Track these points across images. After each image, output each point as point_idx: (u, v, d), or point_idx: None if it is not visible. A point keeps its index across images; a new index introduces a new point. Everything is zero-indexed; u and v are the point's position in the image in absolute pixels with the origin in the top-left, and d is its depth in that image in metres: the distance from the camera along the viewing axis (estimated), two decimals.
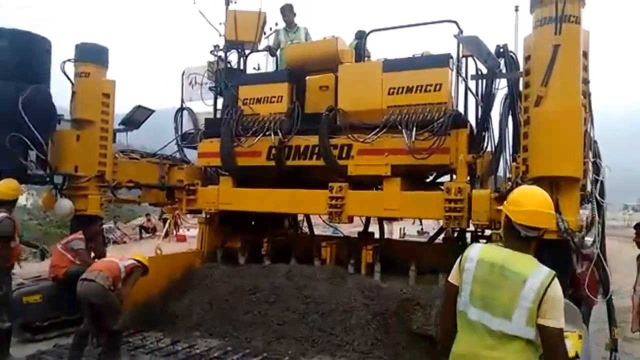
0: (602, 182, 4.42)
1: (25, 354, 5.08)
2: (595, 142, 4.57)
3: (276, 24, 7.75)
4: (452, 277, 2.53)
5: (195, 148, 7.83)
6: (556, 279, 2.24)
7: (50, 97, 6.16)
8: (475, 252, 2.48)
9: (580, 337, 3.63)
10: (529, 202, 2.37)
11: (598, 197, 4.33)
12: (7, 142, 5.55)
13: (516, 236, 2.37)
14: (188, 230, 18.67)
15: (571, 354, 3.52)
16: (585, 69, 4.46)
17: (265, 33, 7.79)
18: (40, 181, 6.28)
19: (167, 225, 18.57)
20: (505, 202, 2.45)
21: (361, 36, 7.40)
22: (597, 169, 4.47)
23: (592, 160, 4.46)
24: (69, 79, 6.61)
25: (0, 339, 5.03)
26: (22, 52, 5.89)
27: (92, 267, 5.07)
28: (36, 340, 5.60)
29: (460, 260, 2.50)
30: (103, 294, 4.88)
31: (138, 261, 5.36)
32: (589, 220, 4.27)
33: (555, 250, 4.20)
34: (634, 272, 5.43)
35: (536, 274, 2.26)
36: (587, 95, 4.48)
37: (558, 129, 4.06)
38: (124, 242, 16.91)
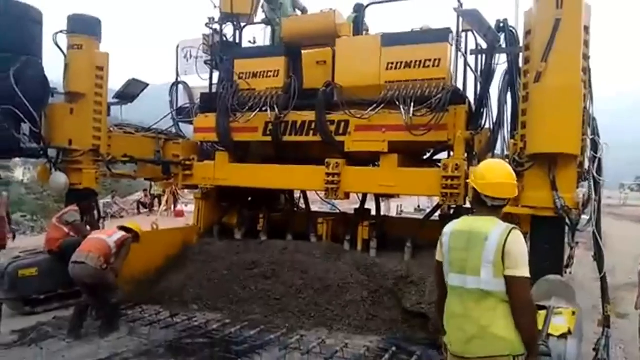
0: (599, 160, 4.38)
1: (24, 326, 5.11)
2: (594, 119, 4.51)
3: None
4: (437, 255, 2.70)
5: (190, 123, 7.76)
6: (515, 231, 2.40)
7: (43, 69, 6.04)
8: (449, 226, 2.69)
9: (574, 313, 3.65)
10: (493, 176, 2.56)
11: (595, 174, 4.30)
12: (1, 116, 5.46)
13: (485, 206, 2.57)
14: (186, 205, 18.79)
15: (564, 329, 3.55)
16: (586, 44, 4.37)
17: (261, 6, 7.62)
18: (34, 155, 6.22)
19: (165, 199, 18.71)
20: (472, 176, 2.65)
21: (359, 9, 7.25)
22: (595, 146, 4.42)
23: (590, 137, 4.42)
24: (61, 51, 6.48)
25: None
26: (13, 23, 5.73)
27: (81, 248, 5.07)
28: (35, 312, 5.62)
29: (440, 237, 2.69)
30: (95, 274, 4.92)
31: (128, 229, 5.38)
32: (586, 198, 4.24)
33: (551, 227, 4.21)
34: (630, 250, 5.45)
35: (495, 230, 2.42)
36: (587, 71, 4.41)
37: (557, 105, 4.00)
38: (122, 217, 16.94)
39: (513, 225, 2.46)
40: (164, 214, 17.83)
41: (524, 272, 2.36)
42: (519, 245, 2.39)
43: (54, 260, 5.86)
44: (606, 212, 4.49)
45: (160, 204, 18.92)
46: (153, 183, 16.70)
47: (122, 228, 5.47)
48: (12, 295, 5.58)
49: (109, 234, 5.33)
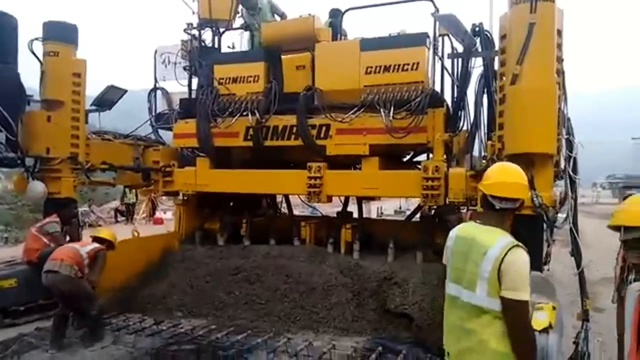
0: (574, 159, 4.53)
1: (5, 337, 5.01)
2: (568, 119, 4.67)
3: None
4: (444, 258, 2.67)
5: (170, 129, 7.70)
6: (516, 249, 2.28)
7: (18, 76, 5.96)
8: (454, 230, 2.64)
9: (554, 308, 3.74)
10: (498, 175, 2.52)
11: (571, 172, 4.45)
12: None
13: (492, 209, 2.48)
14: (165, 213, 18.60)
15: (546, 324, 3.65)
16: (560, 47, 4.53)
17: (239, 12, 7.64)
18: (11, 164, 6.10)
19: (143, 207, 18.50)
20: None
21: (335, 14, 7.34)
22: (570, 145, 4.58)
23: (565, 137, 4.57)
24: (37, 58, 6.40)
25: None
26: None
27: (53, 257, 5.03)
28: (15, 324, 5.51)
29: (447, 241, 2.65)
30: (71, 283, 4.86)
31: (101, 240, 5.33)
32: (562, 196, 4.38)
33: (530, 225, 4.32)
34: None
35: (496, 245, 2.33)
36: (561, 73, 4.56)
37: (532, 106, 4.13)
38: (99, 225, 16.68)
39: (516, 242, 2.34)
40: (142, 221, 17.63)
41: (521, 295, 2.24)
42: (518, 264, 2.27)
43: (33, 271, 5.75)
44: (579, 211, 4.62)
45: (133, 212, 18.66)
46: (127, 191, 16.47)
47: (95, 239, 5.41)
48: None
49: (82, 245, 5.28)
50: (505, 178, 2.50)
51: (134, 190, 16.87)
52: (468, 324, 2.38)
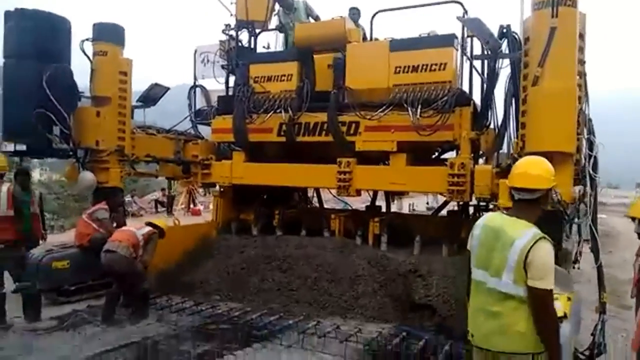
0: (595, 158, 4.66)
1: (60, 313, 5.52)
2: (590, 119, 4.80)
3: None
4: (468, 244, 2.79)
5: (208, 124, 8.13)
6: (542, 242, 2.40)
7: (72, 75, 6.45)
8: (482, 219, 2.76)
9: (569, 298, 3.92)
10: (517, 167, 2.64)
11: (591, 171, 4.59)
12: (33, 117, 5.87)
13: (514, 201, 2.60)
14: (202, 205, 19.25)
15: (560, 313, 3.82)
16: (581, 50, 4.66)
17: (276, 11, 7.97)
18: (64, 155, 6.60)
19: (181, 198, 19.20)
20: None
21: (354, 13, 7.55)
22: (590, 145, 4.71)
23: (586, 137, 4.71)
24: (88, 57, 6.87)
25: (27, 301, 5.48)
26: (45, 32, 6.14)
27: (113, 238, 5.51)
28: (69, 302, 6.01)
29: (473, 228, 2.77)
30: (126, 263, 5.34)
31: (154, 226, 5.79)
32: (581, 193, 4.53)
33: (549, 220, 4.49)
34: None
35: (524, 236, 2.43)
36: (582, 75, 4.70)
37: (553, 107, 4.30)
38: (141, 215, 17.44)
39: (542, 235, 2.42)
40: (181, 212, 18.31)
41: (546, 284, 2.35)
42: (543, 255, 2.36)
43: (83, 254, 6.28)
44: (621, 212, 4.71)
45: (173, 203, 19.35)
46: (174, 183, 17.17)
47: (149, 224, 5.91)
48: (47, 285, 5.96)
49: (137, 228, 5.76)
50: (523, 169, 2.60)
51: (174, 183, 17.60)
52: (494, 307, 2.49)
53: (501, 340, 2.47)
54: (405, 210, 17.21)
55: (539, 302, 2.40)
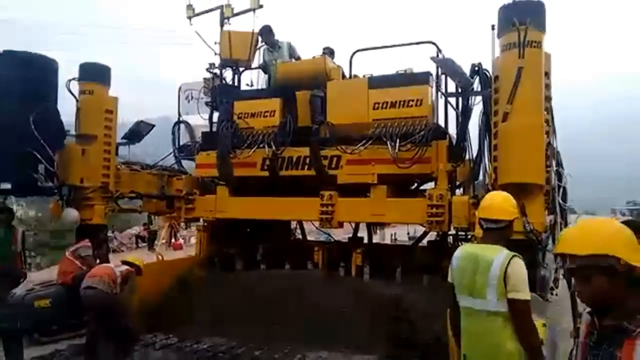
0: (564, 188, 4.92)
1: (42, 353, 5.46)
2: (558, 152, 5.08)
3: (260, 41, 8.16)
4: (449, 277, 3.06)
5: (192, 159, 8.25)
6: (515, 258, 2.72)
7: (59, 114, 6.57)
8: (458, 251, 3.05)
9: (544, 325, 4.08)
10: (484, 201, 3.01)
11: (560, 201, 4.83)
12: (19, 157, 5.94)
13: (483, 230, 2.94)
14: (183, 239, 19.16)
15: None
16: (547, 87, 4.98)
17: (259, 49, 8.25)
18: (48, 193, 6.64)
19: (163, 233, 19.09)
20: None
21: (327, 53, 7.87)
22: (559, 176, 4.97)
23: (555, 168, 4.97)
24: (74, 96, 7.01)
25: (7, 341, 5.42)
26: (33, 73, 6.29)
27: (91, 274, 5.50)
28: (50, 342, 5.96)
29: (451, 261, 3.05)
30: (106, 299, 5.32)
31: (130, 264, 5.82)
32: (552, 223, 4.76)
33: (523, 249, 4.68)
34: None
35: (499, 256, 2.75)
36: (549, 110, 5.00)
37: (522, 141, 4.57)
38: (122, 251, 17.26)
39: (514, 253, 2.75)
40: (162, 247, 18.16)
41: (524, 295, 2.67)
42: (518, 270, 2.69)
43: (66, 292, 6.24)
44: None
45: (154, 238, 19.24)
46: (155, 218, 17.12)
47: (124, 262, 5.91)
48: (28, 325, 5.91)
49: (115, 265, 5.79)
50: (489, 203, 2.96)
51: (155, 218, 17.51)
52: (483, 329, 2.76)
53: None
54: (388, 240, 17.39)
55: (520, 313, 2.68)
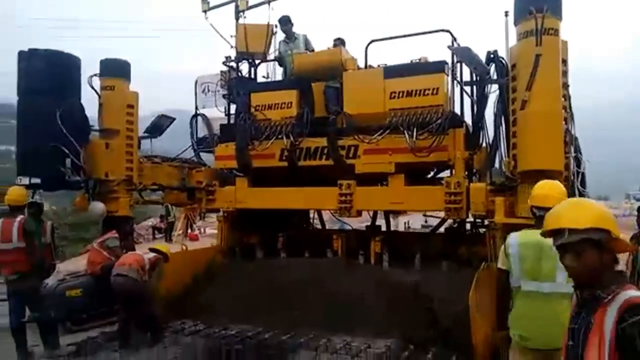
0: (583, 174, 5.00)
1: (75, 340, 5.68)
2: (576, 138, 5.15)
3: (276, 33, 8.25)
4: (501, 264, 3.20)
5: (210, 152, 8.41)
6: None
7: (84, 109, 6.76)
8: (514, 239, 3.17)
9: None
10: (536, 189, 3.14)
11: (579, 187, 4.91)
12: (48, 152, 6.14)
13: (536, 217, 3.05)
14: (199, 230, 19.44)
15: None
16: (565, 74, 5.03)
17: (278, 44, 8.34)
18: (75, 186, 6.84)
19: (179, 224, 19.40)
20: None
21: (338, 44, 7.94)
22: (578, 162, 5.05)
23: (573, 155, 5.05)
24: (96, 92, 7.17)
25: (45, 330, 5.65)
26: (58, 70, 6.47)
27: (120, 262, 5.71)
28: (82, 329, 6.18)
29: (504, 249, 3.17)
30: (137, 286, 5.52)
31: (158, 251, 6.02)
32: None
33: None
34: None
35: None
36: (567, 97, 5.06)
37: (541, 128, 4.64)
38: (140, 242, 17.56)
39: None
40: (179, 237, 18.47)
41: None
42: None
43: (96, 282, 6.47)
44: None
45: (173, 229, 19.55)
46: (172, 209, 17.42)
47: (152, 250, 6.12)
48: (60, 314, 6.15)
49: (144, 252, 5.98)
50: (545, 191, 3.09)
51: (173, 209, 17.81)
52: (549, 310, 2.89)
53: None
54: (402, 228, 17.49)
55: None
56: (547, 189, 3.11)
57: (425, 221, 19.71)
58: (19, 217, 5.91)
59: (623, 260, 4.93)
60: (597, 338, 1.73)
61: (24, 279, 5.94)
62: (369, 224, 8.21)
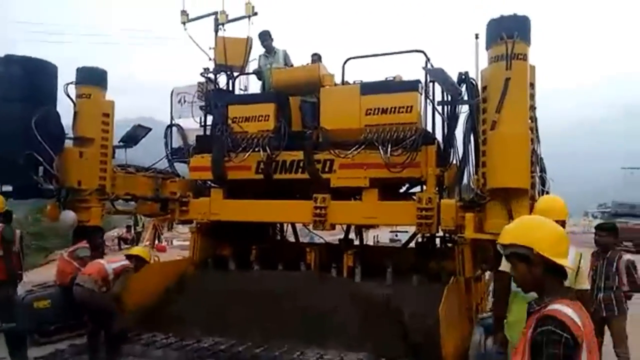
0: (547, 193, 5.26)
1: (43, 353, 5.55)
2: (541, 158, 5.42)
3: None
4: (504, 267, 3.35)
5: (185, 162, 8.39)
6: (583, 254, 3.24)
7: (59, 117, 6.67)
8: None
9: None
10: (544, 203, 3.84)
11: None
12: (21, 159, 6.03)
13: None
14: (166, 241, 19.16)
15: None
16: (532, 97, 5.31)
17: (258, 58, 8.45)
18: (47, 195, 6.72)
19: (146, 235, 19.08)
20: None
21: (315, 59, 8.14)
22: (543, 181, 5.31)
23: (539, 174, 5.31)
24: (71, 100, 7.10)
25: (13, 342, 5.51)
26: (34, 77, 6.39)
27: (83, 271, 5.64)
28: (50, 342, 6.04)
29: None
30: (93, 297, 5.40)
31: (133, 257, 5.92)
32: None
33: None
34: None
35: (571, 252, 3.11)
36: (534, 119, 5.34)
37: (509, 148, 4.88)
38: (106, 253, 17.18)
39: (581, 251, 3.25)
40: (146, 248, 18.13)
41: (586, 285, 3.21)
42: (585, 266, 3.29)
43: (65, 293, 6.33)
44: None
45: (138, 239, 19.20)
46: (140, 219, 17.12)
47: (129, 256, 6.03)
48: (28, 325, 6.00)
49: (109, 261, 5.87)
50: (550, 205, 3.56)
51: (141, 219, 17.52)
52: None
53: None
54: (370, 241, 17.67)
55: (586, 301, 3.18)
56: (550, 203, 3.51)
57: (396, 235, 20.07)
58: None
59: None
60: (522, 345, 1.97)
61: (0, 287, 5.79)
62: (340, 236, 8.32)
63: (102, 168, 7.19)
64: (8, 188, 6.06)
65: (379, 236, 19.99)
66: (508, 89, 4.92)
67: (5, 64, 6.26)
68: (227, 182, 7.64)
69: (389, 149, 6.44)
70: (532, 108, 5.35)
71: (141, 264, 6.03)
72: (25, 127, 6.08)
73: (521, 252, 2.04)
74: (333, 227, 7.17)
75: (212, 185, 8.05)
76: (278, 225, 9.20)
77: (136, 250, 6.26)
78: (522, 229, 2.10)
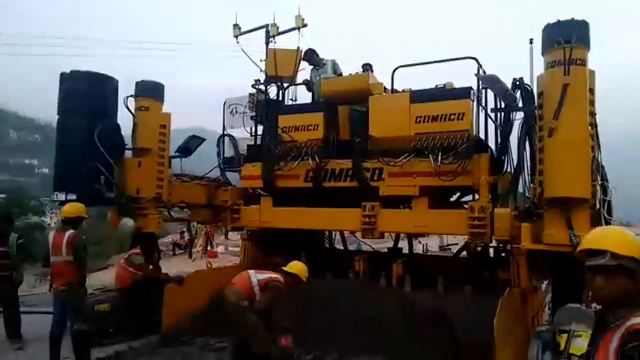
0: (609, 202, 5.03)
1: (103, 354, 5.80)
2: (602, 166, 5.19)
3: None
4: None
5: (236, 171, 8.59)
6: None
7: (120, 129, 7.01)
8: None
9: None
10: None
11: (606, 214, 4.94)
12: (85, 169, 6.37)
13: None
14: (218, 247, 19.64)
15: (583, 350, 4.08)
16: (592, 103, 5.10)
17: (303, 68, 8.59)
18: (109, 203, 7.04)
19: (199, 241, 19.62)
20: None
21: (367, 69, 8.15)
22: (604, 190, 5.08)
23: (600, 182, 5.08)
24: (130, 112, 7.42)
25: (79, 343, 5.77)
26: (96, 91, 6.76)
27: (232, 282, 5.21)
28: (109, 344, 6.31)
29: None
30: (234, 309, 4.94)
31: (287, 273, 5.21)
32: None
33: (571, 262, 4.82)
34: None
35: None
36: (594, 126, 5.13)
37: (569, 156, 4.71)
38: (160, 258, 17.79)
39: None
40: (197, 254, 18.66)
41: None
42: None
43: (123, 296, 6.63)
44: None
45: (191, 246, 19.79)
46: (193, 225, 17.67)
47: (283, 271, 5.32)
48: (89, 327, 6.28)
49: (257, 272, 5.28)
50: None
51: (194, 226, 18.07)
52: None
53: None
54: (419, 250, 17.43)
55: None
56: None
57: (447, 244, 19.71)
58: (69, 232, 5.91)
59: None
60: (602, 359, 1.86)
61: (69, 291, 6.00)
62: (387, 244, 8.26)
63: (159, 177, 7.45)
64: (73, 196, 6.36)
65: (428, 244, 19.71)
66: (566, 95, 4.75)
67: (71, 80, 6.64)
68: (276, 190, 7.76)
69: (439, 157, 6.36)
70: (592, 114, 5.14)
71: (296, 279, 5.30)
72: (89, 139, 6.43)
73: (630, 265, 1.92)
74: (382, 235, 7.14)
75: (262, 193, 8.20)
76: (327, 233, 9.24)
77: (293, 266, 5.37)
78: (631, 242, 1.97)
